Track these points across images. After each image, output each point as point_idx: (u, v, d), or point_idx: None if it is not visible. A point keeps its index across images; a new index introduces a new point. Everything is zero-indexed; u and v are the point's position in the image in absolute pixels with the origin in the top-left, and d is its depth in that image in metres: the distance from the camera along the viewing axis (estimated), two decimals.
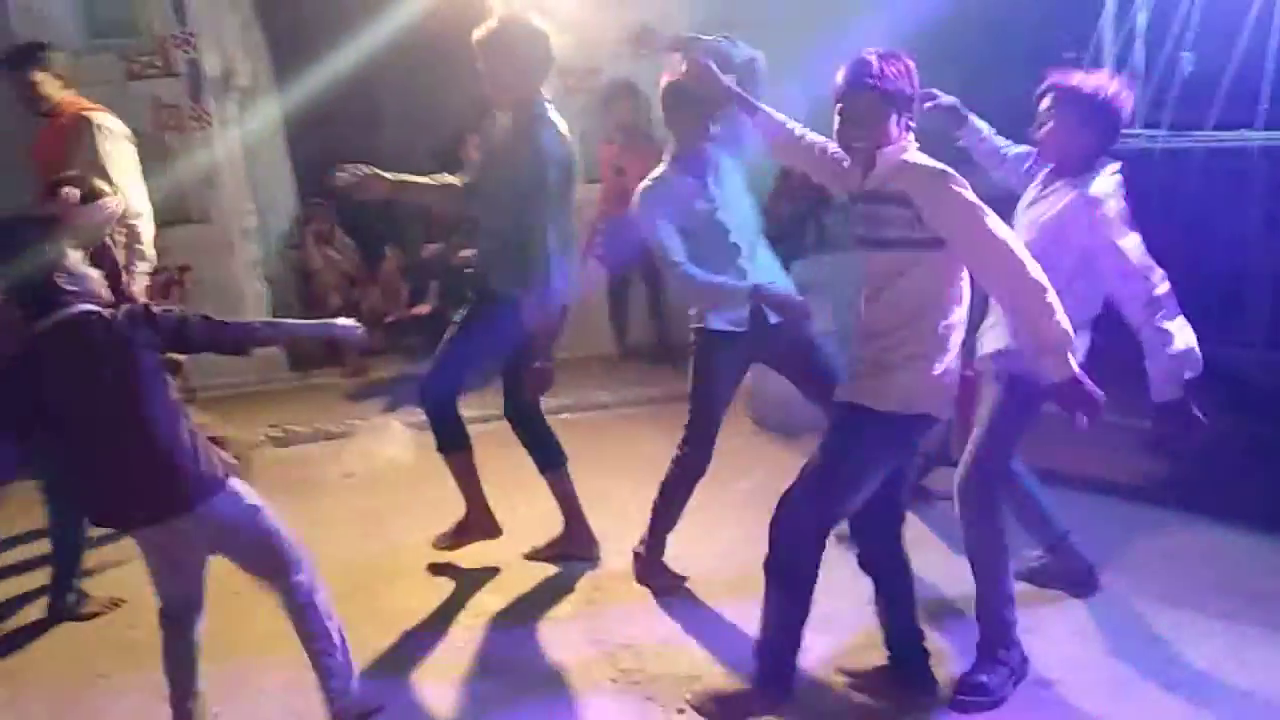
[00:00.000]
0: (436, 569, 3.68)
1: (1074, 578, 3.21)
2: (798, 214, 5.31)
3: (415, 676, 3.04)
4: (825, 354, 3.22)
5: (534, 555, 3.67)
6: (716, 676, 2.90)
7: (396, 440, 5.08)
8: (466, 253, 5.78)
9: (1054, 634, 3.01)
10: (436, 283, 5.95)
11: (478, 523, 3.63)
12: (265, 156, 6.05)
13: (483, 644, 3.21)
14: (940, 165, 2.34)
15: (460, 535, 3.65)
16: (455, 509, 3.74)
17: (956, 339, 2.46)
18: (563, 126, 3.25)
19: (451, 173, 6.25)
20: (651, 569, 3.41)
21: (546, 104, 3.25)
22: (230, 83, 5.66)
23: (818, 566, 2.54)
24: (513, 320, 3.26)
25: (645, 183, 3.16)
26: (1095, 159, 2.68)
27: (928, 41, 4.75)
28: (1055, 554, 3.21)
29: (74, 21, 5.49)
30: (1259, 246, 3.37)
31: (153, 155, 5.60)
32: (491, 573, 3.63)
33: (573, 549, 3.63)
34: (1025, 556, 3.22)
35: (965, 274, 2.43)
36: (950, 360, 2.45)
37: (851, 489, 2.48)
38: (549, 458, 3.54)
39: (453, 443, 3.53)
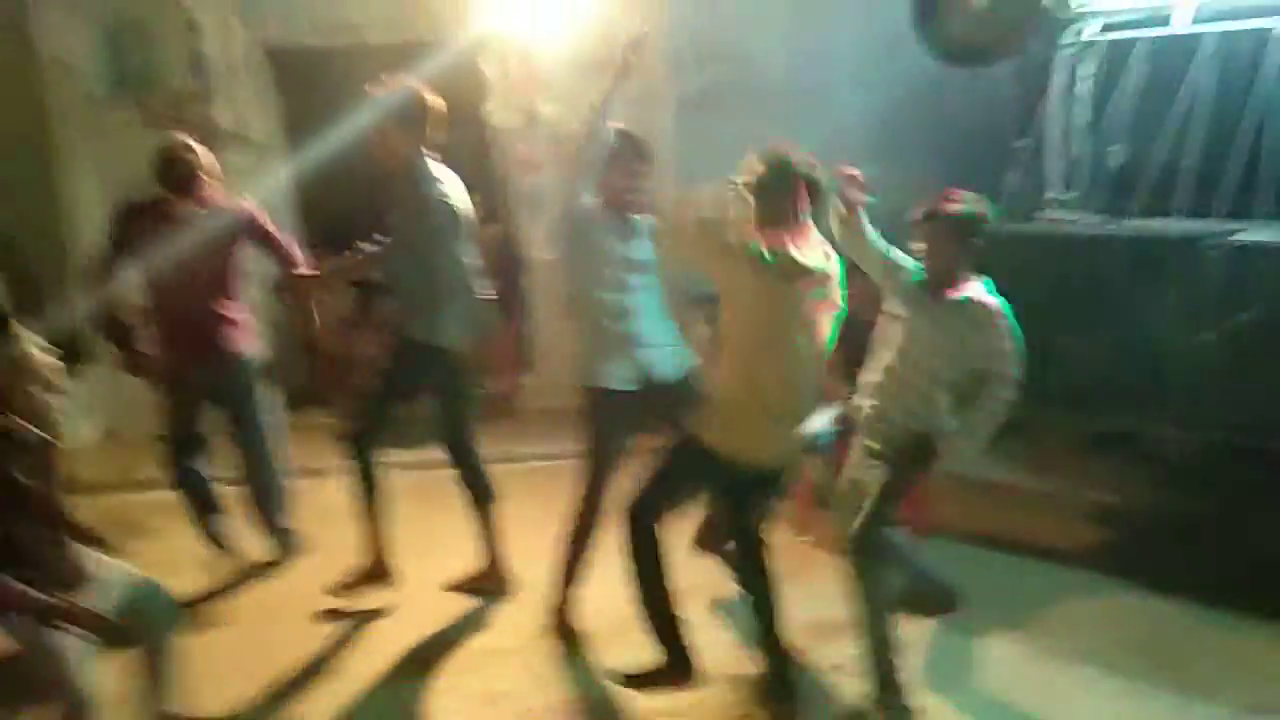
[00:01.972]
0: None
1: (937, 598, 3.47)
2: None
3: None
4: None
5: (453, 587, 3.91)
6: None
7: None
8: None
9: (962, 685, 3.19)
10: None
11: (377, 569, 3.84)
12: (274, 207, 6.35)
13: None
14: None
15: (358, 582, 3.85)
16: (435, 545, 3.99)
17: None
18: (445, 178, 3.55)
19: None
20: (551, 614, 3.59)
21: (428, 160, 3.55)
22: (243, 138, 6.00)
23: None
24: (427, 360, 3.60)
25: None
26: None
27: (876, 128, 5.10)
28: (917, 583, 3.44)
29: (100, 73, 5.86)
30: (1177, 330, 3.58)
31: None
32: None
33: (489, 584, 3.88)
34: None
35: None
36: None
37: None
38: (480, 494, 3.80)
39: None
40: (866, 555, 2.98)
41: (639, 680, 3.11)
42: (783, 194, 2.80)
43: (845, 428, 3.21)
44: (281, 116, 6.47)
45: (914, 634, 3.44)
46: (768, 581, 3.00)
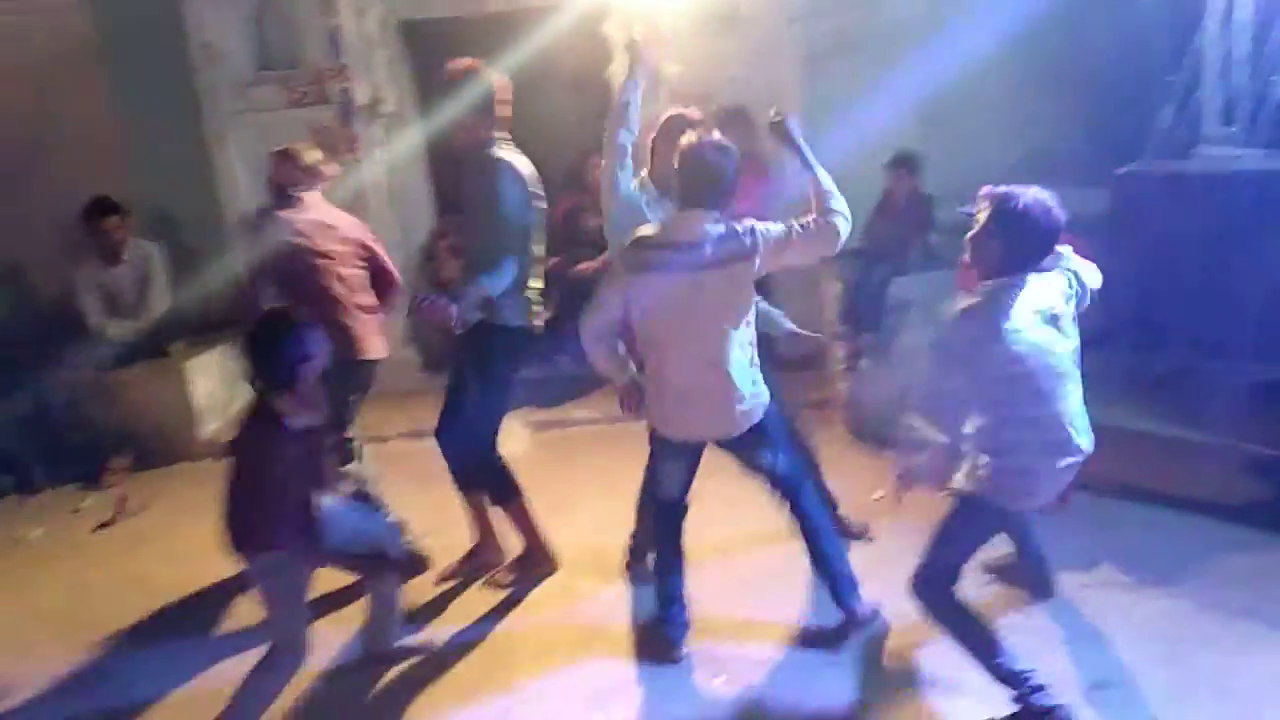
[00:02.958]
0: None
1: (1036, 581, 3.35)
2: (898, 233, 5.45)
3: None
4: None
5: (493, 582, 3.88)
6: None
7: (515, 438, 5.47)
8: (585, 265, 6.16)
9: (1119, 639, 3.11)
10: (556, 291, 6.35)
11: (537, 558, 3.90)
12: (407, 176, 6.57)
13: None
14: None
15: (518, 570, 3.91)
16: (565, 502, 4.11)
17: None
18: (519, 162, 3.56)
19: (577, 191, 6.66)
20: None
21: (503, 142, 3.57)
22: (377, 110, 6.21)
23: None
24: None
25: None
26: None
27: (1040, 59, 4.89)
28: (1022, 555, 3.34)
29: (245, 54, 6.15)
30: None
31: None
32: None
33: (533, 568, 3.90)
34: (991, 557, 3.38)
35: None
36: None
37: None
38: (502, 490, 3.82)
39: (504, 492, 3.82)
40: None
41: None
42: None
43: None
44: (413, 88, 6.67)
45: (1065, 585, 3.39)
46: None
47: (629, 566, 3.84)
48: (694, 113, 3.60)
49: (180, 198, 6.29)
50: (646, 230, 3.09)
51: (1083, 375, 2.76)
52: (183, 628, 3.82)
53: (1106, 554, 3.56)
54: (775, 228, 3.04)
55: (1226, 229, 3.77)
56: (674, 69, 5.85)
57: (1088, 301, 2.83)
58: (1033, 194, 2.63)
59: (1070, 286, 2.76)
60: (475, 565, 3.98)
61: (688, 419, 3.15)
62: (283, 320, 2.87)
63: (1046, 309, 2.66)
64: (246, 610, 3.80)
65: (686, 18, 5.71)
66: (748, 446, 3.20)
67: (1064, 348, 2.70)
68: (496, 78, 3.60)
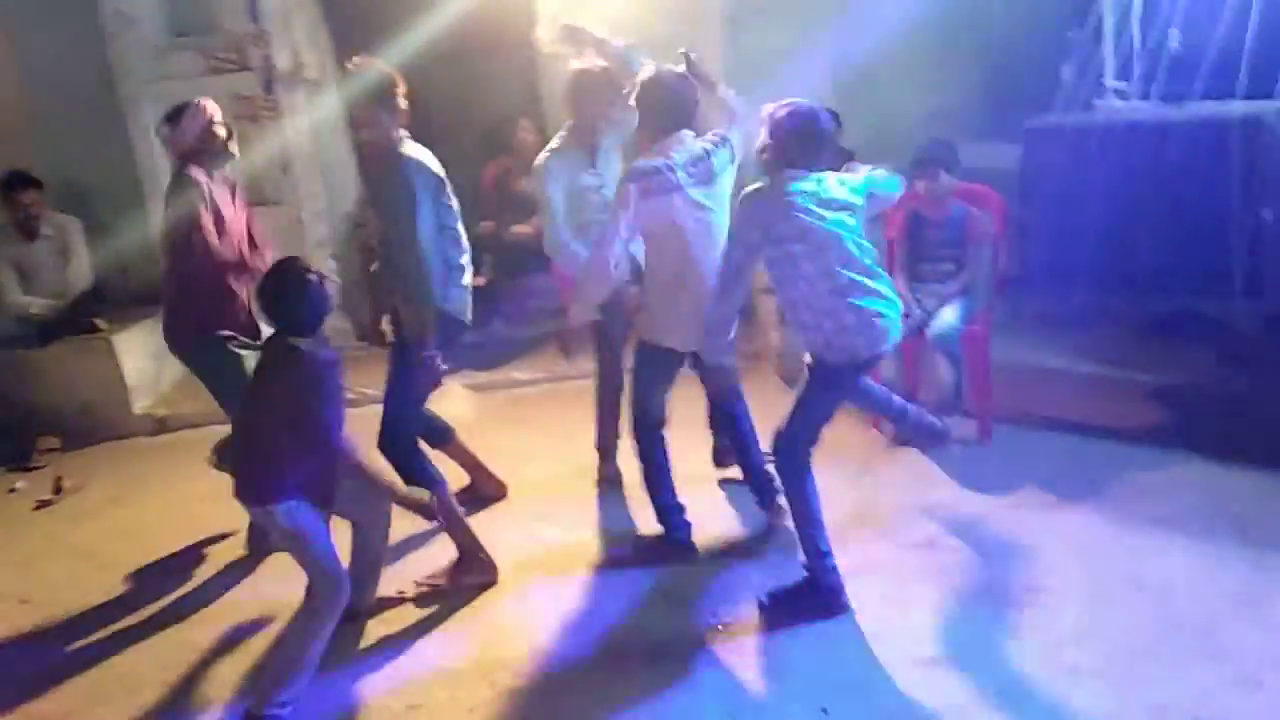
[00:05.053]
0: None
1: (927, 435, 3.70)
2: None
3: None
4: None
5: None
6: None
7: (457, 401, 5.55)
8: (518, 229, 6.24)
9: (1045, 550, 3.42)
10: (490, 257, 6.41)
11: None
12: (331, 143, 6.53)
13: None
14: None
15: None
16: (520, 458, 4.26)
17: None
18: (426, 159, 3.53)
19: (503, 151, 6.66)
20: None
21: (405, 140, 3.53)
22: (299, 76, 6.14)
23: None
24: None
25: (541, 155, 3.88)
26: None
27: (944, 18, 5.14)
28: (901, 423, 3.71)
29: (159, 21, 6.00)
30: (1237, 206, 3.70)
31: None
32: None
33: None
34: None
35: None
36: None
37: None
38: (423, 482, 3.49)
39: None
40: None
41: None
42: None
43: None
44: (332, 53, 6.60)
45: (993, 508, 3.69)
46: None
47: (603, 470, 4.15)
48: (596, 64, 3.83)
49: (92, 169, 6.12)
50: (656, 158, 3.27)
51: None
52: (139, 598, 3.83)
53: (1030, 478, 3.87)
54: (731, 134, 3.42)
55: (1126, 177, 4.08)
56: (601, 33, 5.92)
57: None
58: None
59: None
60: (475, 496, 4.15)
61: (701, 325, 3.36)
62: (302, 269, 2.96)
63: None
64: (204, 578, 3.86)
65: None
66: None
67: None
68: (393, 72, 3.54)
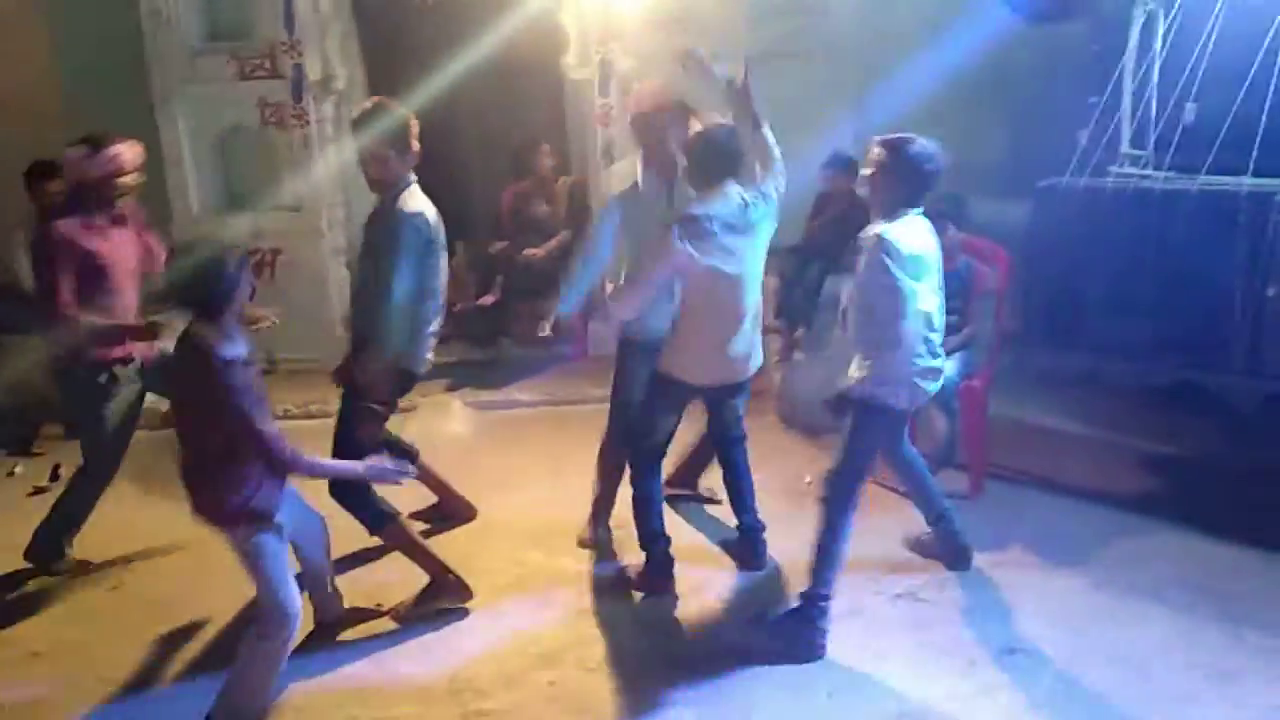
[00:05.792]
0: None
1: (951, 554, 3.69)
2: (833, 231, 5.70)
3: None
4: None
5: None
6: None
7: (457, 418, 5.59)
8: (529, 251, 6.30)
9: (1026, 611, 3.41)
10: (501, 277, 6.47)
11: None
12: (354, 154, 6.60)
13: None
14: None
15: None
16: (511, 479, 4.22)
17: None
18: (426, 210, 3.47)
19: (523, 175, 6.71)
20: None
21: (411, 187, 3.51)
22: (329, 86, 6.23)
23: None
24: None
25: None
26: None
27: (973, 77, 5.20)
28: (937, 529, 3.71)
29: (195, 23, 6.11)
30: (1242, 282, 3.72)
31: (258, 148, 6.29)
32: None
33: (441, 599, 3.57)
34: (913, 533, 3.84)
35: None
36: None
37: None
38: (375, 519, 3.52)
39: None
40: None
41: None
42: None
43: None
44: (363, 66, 6.71)
45: (978, 564, 3.68)
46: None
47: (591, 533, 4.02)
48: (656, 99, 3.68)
49: None
50: (699, 207, 3.33)
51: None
52: (124, 590, 3.85)
53: (1017, 537, 3.87)
54: (775, 184, 3.49)
55: (1133, 243, 4.10)
56: (626, 63, 6.02)
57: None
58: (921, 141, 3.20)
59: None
60: (441, 516, 4.16)
61: (721, 364, 3.49)
62: (214, 242, 2.96)
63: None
64: (193, 573, 3.88)
65: (639, 13, 5.89)
66: (740, 389, 3.66)
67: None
68: (408, 114, 3.53)
